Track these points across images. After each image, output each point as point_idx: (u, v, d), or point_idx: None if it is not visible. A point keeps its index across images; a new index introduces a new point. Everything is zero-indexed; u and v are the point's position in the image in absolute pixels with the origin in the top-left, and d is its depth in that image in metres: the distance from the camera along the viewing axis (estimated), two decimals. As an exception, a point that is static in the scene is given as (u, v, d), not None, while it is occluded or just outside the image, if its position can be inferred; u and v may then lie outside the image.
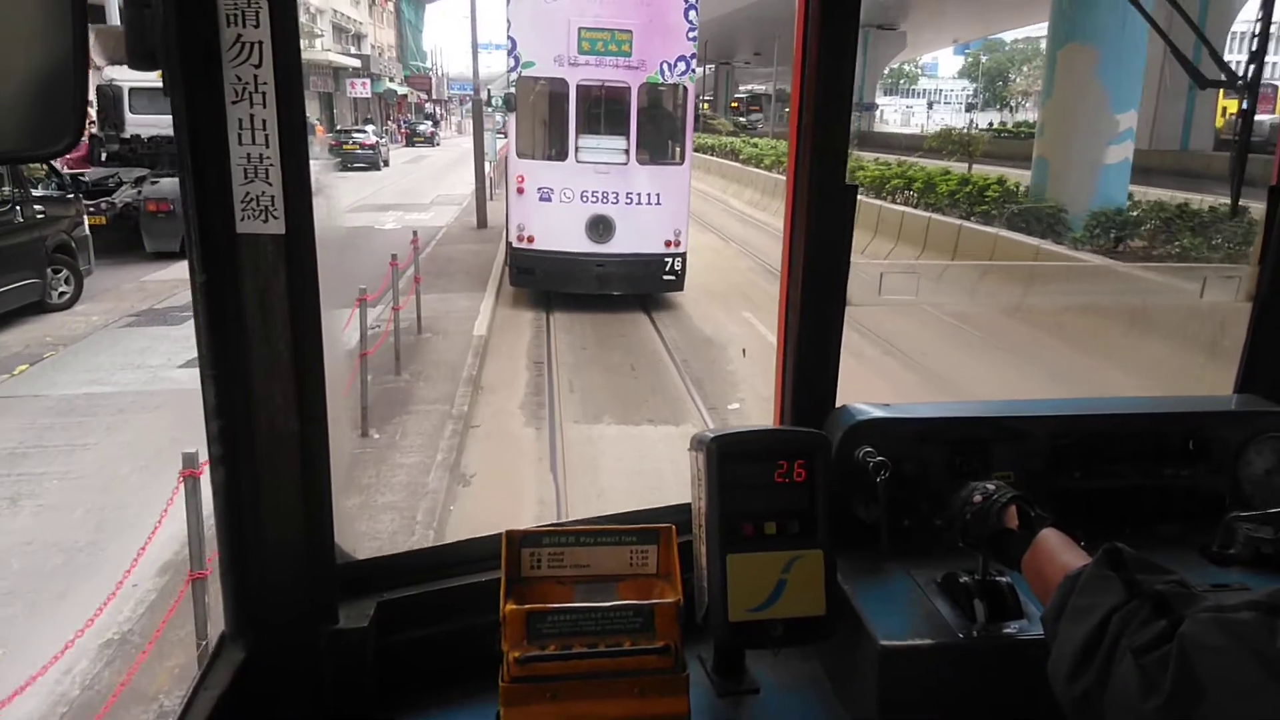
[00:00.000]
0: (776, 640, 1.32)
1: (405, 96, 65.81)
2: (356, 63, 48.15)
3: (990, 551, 1.29)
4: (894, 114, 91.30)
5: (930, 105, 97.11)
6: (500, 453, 6.58)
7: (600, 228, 10.97)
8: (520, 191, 11.02)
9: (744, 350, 9.77)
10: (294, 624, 1.30)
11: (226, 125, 1.13)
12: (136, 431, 6.83)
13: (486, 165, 18.54)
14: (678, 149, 11.29)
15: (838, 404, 1.60)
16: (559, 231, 10.91)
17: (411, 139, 51.52)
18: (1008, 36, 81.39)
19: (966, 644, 1.31)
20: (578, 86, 10.70)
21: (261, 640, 1.28)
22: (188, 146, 1.12)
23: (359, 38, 55.59)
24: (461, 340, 9.07)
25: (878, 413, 1.55)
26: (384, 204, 22.04)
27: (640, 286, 11.33)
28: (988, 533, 1.26)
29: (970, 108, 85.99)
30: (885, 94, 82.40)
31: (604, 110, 11.02)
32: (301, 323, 1.21)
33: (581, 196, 10.92)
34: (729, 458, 1.33)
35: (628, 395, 7.90)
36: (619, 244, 10.97)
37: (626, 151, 10.90)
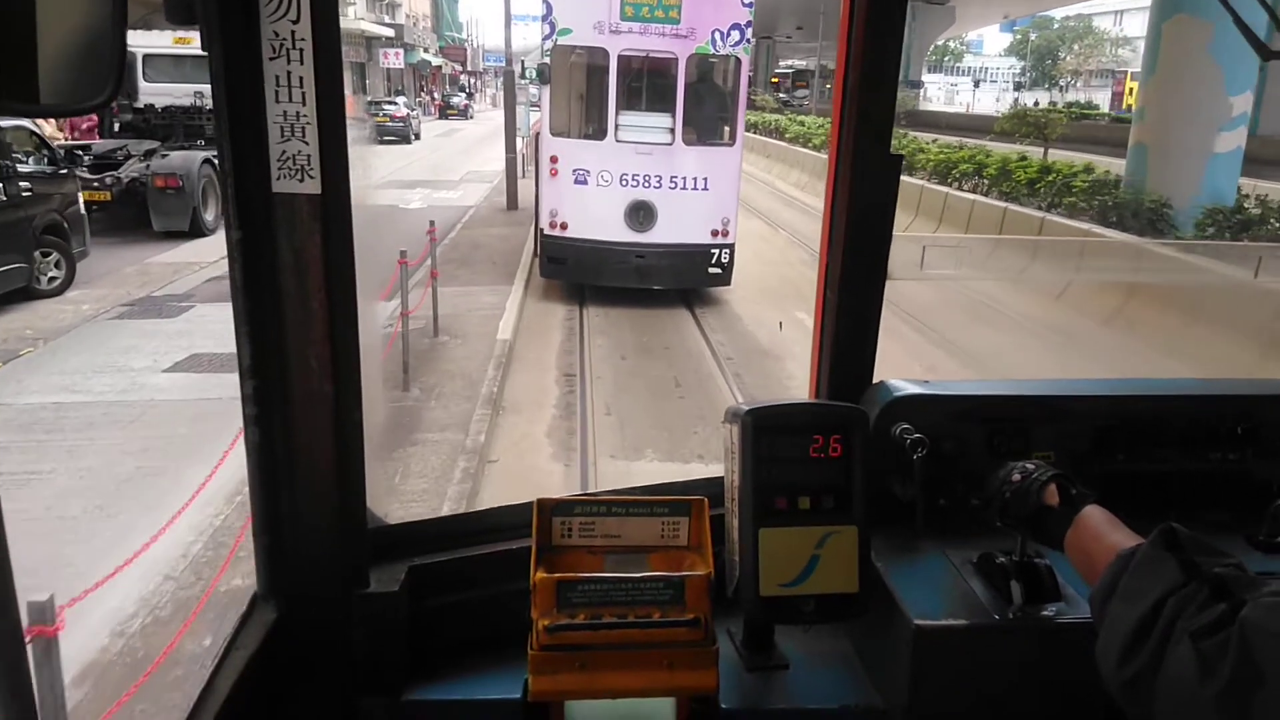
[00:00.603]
0: (808, 616, 1.30)
1: (440, 68, 65.00)
2: (389, 32, 47.35)
3: (1030, 531, 1.24)
4: (938, 92, 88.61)
5: (977, 84, 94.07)
6: (521, 498, 5.46)
7: (641, 215, 9.81)
8: (553, 173, 9.87)
9: (780, 324, 8.98)
10: (325, 587, 1.30)
11: (264, 82, 1.12)
12: (101, 455, 5.85)
13: (519, 141, 17.41)
14: (728, 129, 10.06)
15: (875, 380, 1.56)
16: (595, 218, 9.78)
17: (445, 111, 50.95)
18: (1058, 14, 79.21)
19: (1002, 626, 1.27)
20: (619, 57, 9.49)
21: (293, 602, 1.28)
22: (224, 104, 1.12)
23: (393, 7, 54.66)
24: (483, 345, 7.98)
25: (916, 389, 1.51)
26: (412, 180, 21.09)
27: (683, 280, 10.18)
28: (1027, 511, 1.22)
29: (1019, 86, 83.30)
30: (929, 71, 79.97)
31: (648, 84, 9.82)
32: (336, 284, 1.20)
33: (621, 180, 9.75)
34: (764, 430, 1.31)
35: (674, 421, 6.75)
36: (661, 233, 9.81)
37: (672, 130, 9.69)
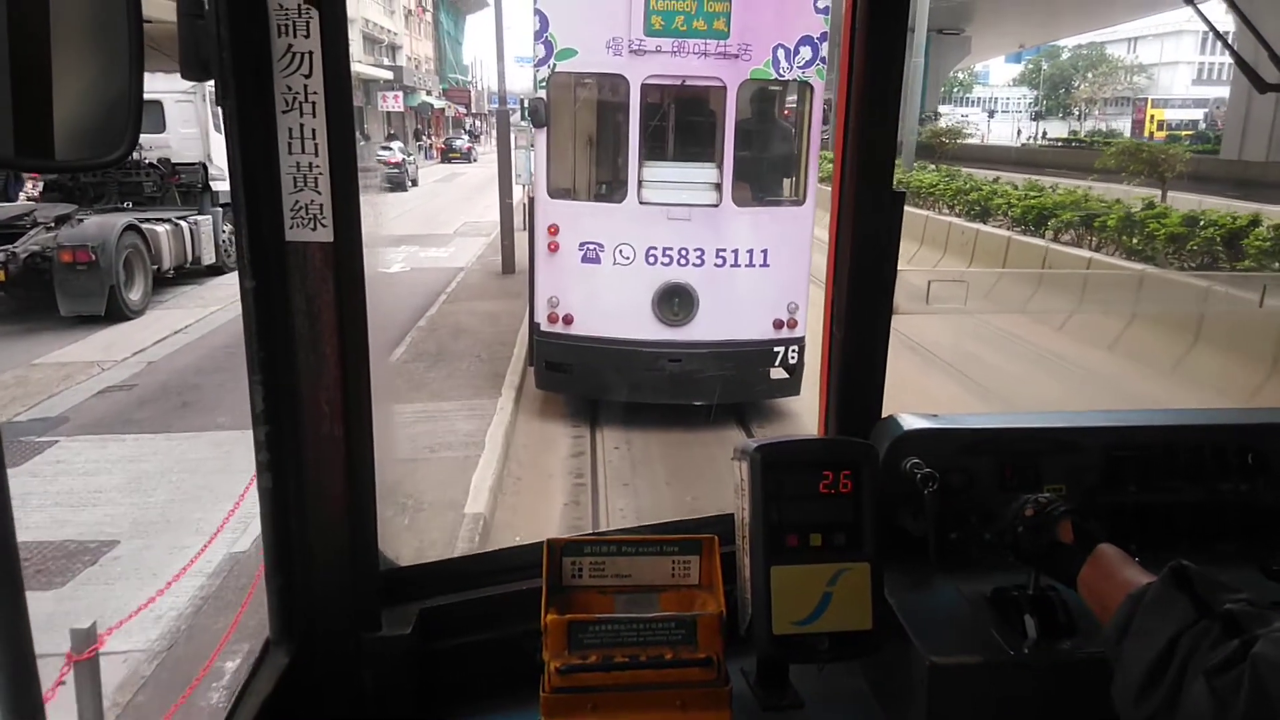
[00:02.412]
0: (821, 654, 1.30)
1: (442, 110, 63.32)
2: (388, 74, 45.62)
3: (1043, 567, 1.24)
4: (948, 123, 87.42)
5: (991, 114, 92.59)
6: None
7: (675, 303, 7.03)
8: (553, 248, 7.11)
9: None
10: (337, 630, 1.33)
11: (277, 135, 1.17)
12: None
13: (518, 190, 14.81)
14: (797, 182, 7.32)
15: (884, 414, 1.56)
16: (611, 309, 7.06)
17: (447, 155, 48.97)
18: (1069, 43, 78.53)
19: (1018, 661, 1.27)
20: (643, 86, 6.76)
21: (305, 646, 1.31)
22: (238, 155, 1.16)
23: (394, 49, 53.04)
24: (443, 528, 5.15)
25: (925, 423, 1.52)
26: (398, 235, 18.55)
27: (736, 393, 7.35)
28: (1041, 547, 1.21)
29: (1037, 116, 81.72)
30: (939, 103, 78.89)
31: (684, 123, 7.11)
32: (348, 330, 1.24)
33: (647, 256, 6.99)
34: (774, 467, 1.31)
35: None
36: (703, 327, 7.05)
37: (717, 187, 6.95)
